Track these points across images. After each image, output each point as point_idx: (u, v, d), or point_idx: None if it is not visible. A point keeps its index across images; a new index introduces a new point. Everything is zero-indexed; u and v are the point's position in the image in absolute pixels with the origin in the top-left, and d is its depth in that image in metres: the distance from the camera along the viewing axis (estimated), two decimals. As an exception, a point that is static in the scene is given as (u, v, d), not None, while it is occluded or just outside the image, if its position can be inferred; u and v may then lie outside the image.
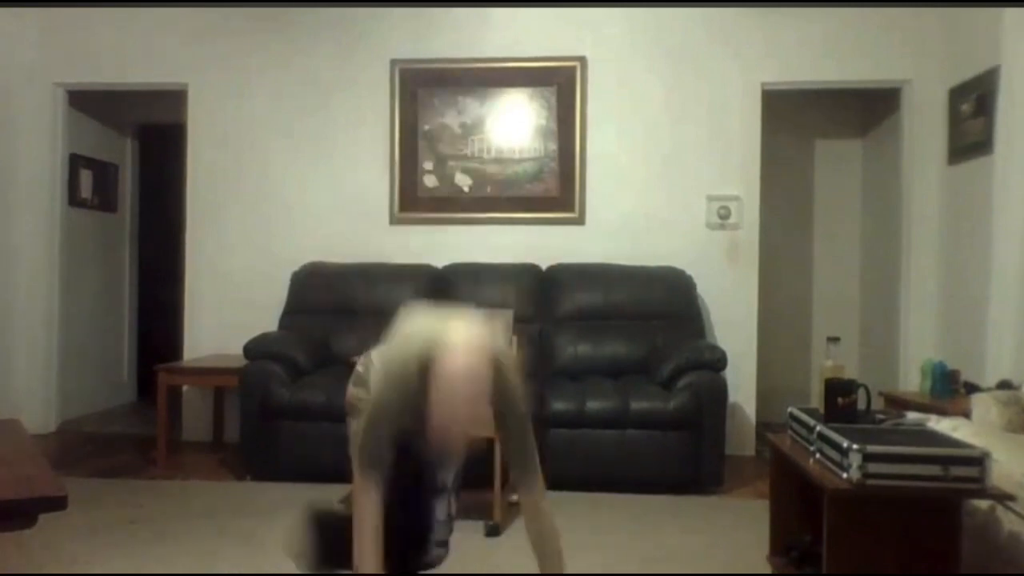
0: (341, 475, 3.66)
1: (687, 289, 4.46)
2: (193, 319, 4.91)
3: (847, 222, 5.68)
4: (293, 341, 4.12)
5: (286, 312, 4.56)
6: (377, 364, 2.02)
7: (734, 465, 4.23)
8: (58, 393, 5.09)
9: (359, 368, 2.11)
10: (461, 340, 1.75)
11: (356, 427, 1.95)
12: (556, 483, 3.72)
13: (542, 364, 4.25)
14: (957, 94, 4.33)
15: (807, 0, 4.61)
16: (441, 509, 2.07)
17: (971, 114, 4.16)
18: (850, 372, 2.68)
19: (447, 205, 4.80)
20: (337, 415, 3.74)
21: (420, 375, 1.76)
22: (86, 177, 5.49)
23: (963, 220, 4.25)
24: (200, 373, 4.32)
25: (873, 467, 1.99)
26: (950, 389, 3.66)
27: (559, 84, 4.74)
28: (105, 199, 5.75)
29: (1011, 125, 3.63)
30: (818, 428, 2.28)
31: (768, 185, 4.86)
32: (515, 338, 3.66)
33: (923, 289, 4.58)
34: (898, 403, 3.66)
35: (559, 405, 3.76)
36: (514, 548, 2.96)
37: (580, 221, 4.74)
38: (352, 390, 2.11)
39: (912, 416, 2.72)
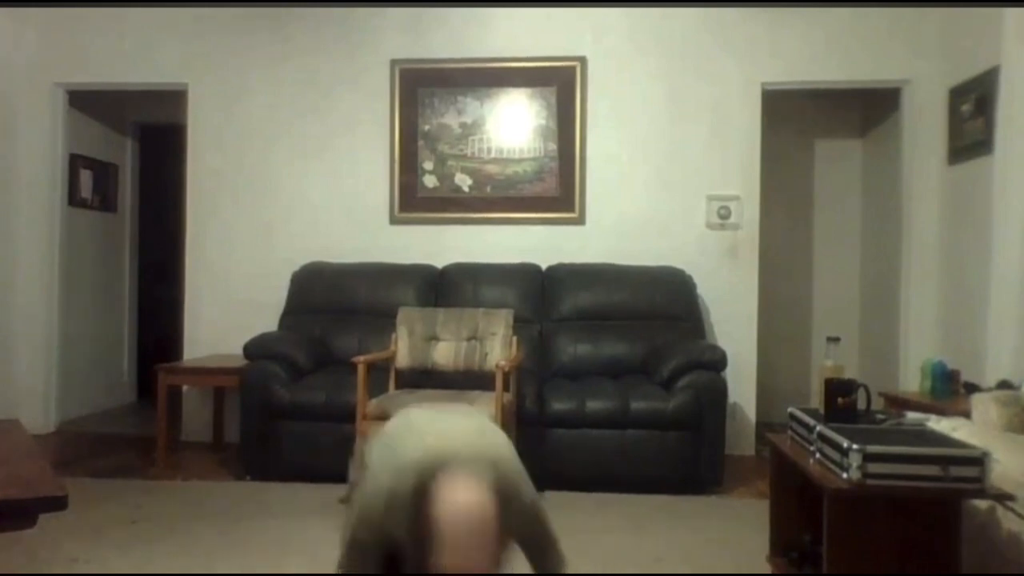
0: (341, 475, 3.69)
1: (687, 289, 4.46)
2: (193, 319, 4.91)
3: (847, 222, 5.68)
4: (293, 341, 4.12)
5: (286, 312, 4.56)
6: (375, 457, 1.77)
7: (734, 465, 4.24)
8: (58, 393, 5.09)
9: (361, 448, 1.91)
10: (462, 493, 1.54)
11: (347, 516, 1.79)
12: (556, 483, 3.76)
13: (542, 364, 4.25)
14: (957, 94, 4.33)
15: (807, 0, 4.62)
16: None
17: (971, 114, 4.16)
18: (850, 372, 2.68)
19: (447, 205, 4.81)
20: (337, 415, 3.79)
21: (415, 500, 1.59)
22: (86, 177, 5.49)
23: (963, 220, 4.25)
24: (200, 373, 4.32)
25: (873, 467, 2.00)
26: (950, 389, 3.65)
27: (559, 84, 4.74)
28: (105, 199, 5.76)
29: (1011, 125, 3.62)
30: (818, 428, 2.28)
31: (768, 185, 4.86)
32: (515, 338, 3.68)
33: (923, 289, 4.58)
34: (898, 403, 3.66)
35: (559, 405, 3.75)
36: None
37: (580, 221, 4.74)
38: (351, 472, 1.92)
39: (912, 416, 2.72)
